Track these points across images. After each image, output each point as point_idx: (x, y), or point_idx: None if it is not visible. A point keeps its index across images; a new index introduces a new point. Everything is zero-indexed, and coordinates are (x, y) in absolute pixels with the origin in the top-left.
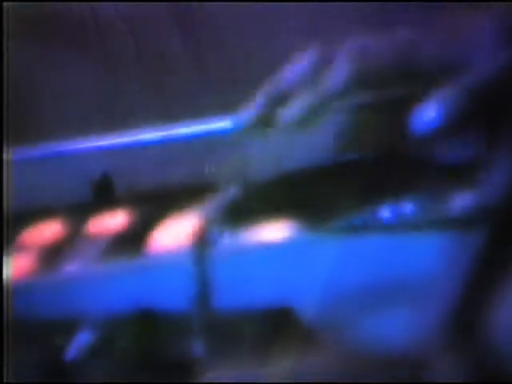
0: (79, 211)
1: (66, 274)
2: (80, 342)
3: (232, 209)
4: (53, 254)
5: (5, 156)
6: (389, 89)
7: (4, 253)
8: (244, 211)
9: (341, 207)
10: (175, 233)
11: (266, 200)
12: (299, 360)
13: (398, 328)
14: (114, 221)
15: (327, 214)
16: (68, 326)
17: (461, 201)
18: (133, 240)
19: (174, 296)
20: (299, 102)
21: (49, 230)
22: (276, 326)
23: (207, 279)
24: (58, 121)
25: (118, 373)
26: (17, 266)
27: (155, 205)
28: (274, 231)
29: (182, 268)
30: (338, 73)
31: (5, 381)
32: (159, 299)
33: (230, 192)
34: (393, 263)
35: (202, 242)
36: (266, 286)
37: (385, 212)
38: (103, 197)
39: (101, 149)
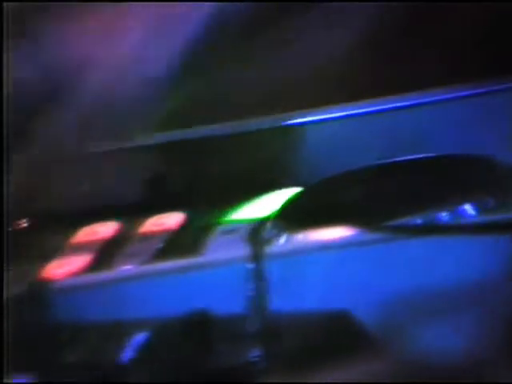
0: (134, 210)
1: (121, 274)
2: (134, 344)
3: (291, 207)
4: (108, 253)
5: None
6: None
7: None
8: (304, 211)
9: (401, 208)
10: (232, 232)
11: (326, 200)
12: (355, 365)
13: (459, 334)
14: (169, 220)
15: (388, 215)
16: (121, 327)
17: None
18: (188, 240)
19: (230, 298)
20: None
21: (104, 229)
22: (332, 329)
23: (264, 280)
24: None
25: (170, 376)
26: (72, 264)
27: (211, 203)
28: (333, 231)
29: (238, 269)
30: None
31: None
32: (214, 301)
33: (289, 190)
34: (453, 266)
35: (259, 241)
36: (323, 287)
37: (446, 214)
38: (158, 195)
39: (155, 145)
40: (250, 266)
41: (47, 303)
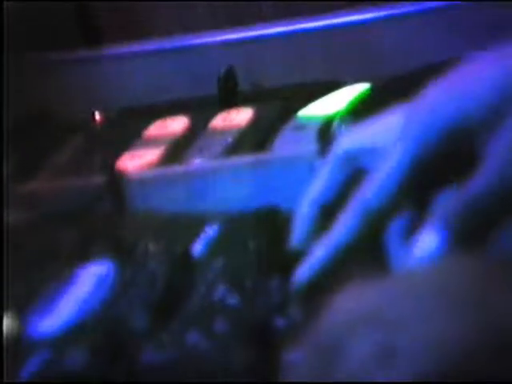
0: (205, 105)
1: (191, 168)
2: (205, 237)
3: (360, 105)
4: (178, 147)
5: None
6: None
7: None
8: (372, 108)
9: None
10: (300, 128)
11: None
12: None
13: None
14: (239, 116)
15: None
16: (192, 221)
17: None
18: (257, 136)
19: (298, 194)
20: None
21: (175, 124)
22: None
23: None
24: (185, 13)
25: (241, 270)
26: (143, 158)
27: (281, 101)
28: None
29: (307, 165)
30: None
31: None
32: (282, 197)
33: (358, 87)
34: None
35: (328, 138)
36: None
37: None
38: (229, 91)
39: (227, 42)
40: (319, 162)
41: (123, 193)
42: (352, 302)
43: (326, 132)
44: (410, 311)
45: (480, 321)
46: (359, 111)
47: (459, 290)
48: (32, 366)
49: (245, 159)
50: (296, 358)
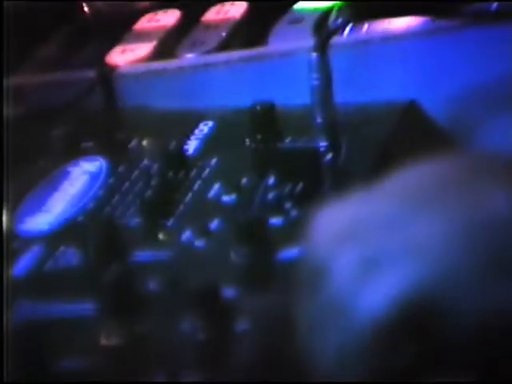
0: None
1: (184, 63)
2: (199, 134)
3: None
4: (171, 41)
5: None
6: None
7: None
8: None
9: None
10: (297, 21)
11: None
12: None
13: None
14: (234, 8)
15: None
16: (186, 117)
17: None
18: (252, 29)
19: (294, 89)
20: None
21: (167, 17)
22: (402, 122)
23: (329, 72)
24: None
25: (237, 167)
26: (135, 52)
27: None
28: (402, 22)
29: (303, 60)
30: None
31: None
32: (279, 92)
33: None
34: None
35: (325, 31)
36: (390, 79)
37: None
38: None
39: None
40: (315, 56)
41: (113, 89)
42: (331, 218)
43: (323, 25)
44: (391, 218)
45: (467, 218)
46: (356, 3)
47: (442, 188)
48: (24, 263)
49: (239, 54)
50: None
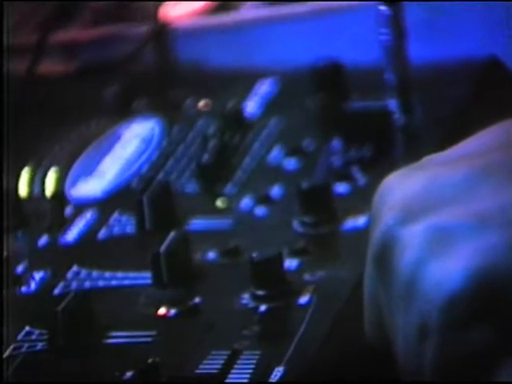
0: None
1: (243, 17)
2: (259, 94)
3: None
4: None
5: None
6: None
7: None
8: None
9: None
10: None
11: None
12: None
13: None
14: None
15: None
16: (245, 76)
17: None
18: None
19: (363, 45)
20: None
21: None
22: (483, 81)
23: (401, 25)
24: None
25: (299, 130)
26: (190, 6)
27: None
28: None
29: (373, 13)
30: None
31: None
32: (346, 49)
33: None
34: None
35: None
36: (468, 34)
37: None
38: None
39: None
40: (385, 9)
41: (167, 45)
42: (402, 186)
43: None
44: (465, 187)
45: None
46: None
47: None
48: (77, 230)
49: (303, 6)
50: None
